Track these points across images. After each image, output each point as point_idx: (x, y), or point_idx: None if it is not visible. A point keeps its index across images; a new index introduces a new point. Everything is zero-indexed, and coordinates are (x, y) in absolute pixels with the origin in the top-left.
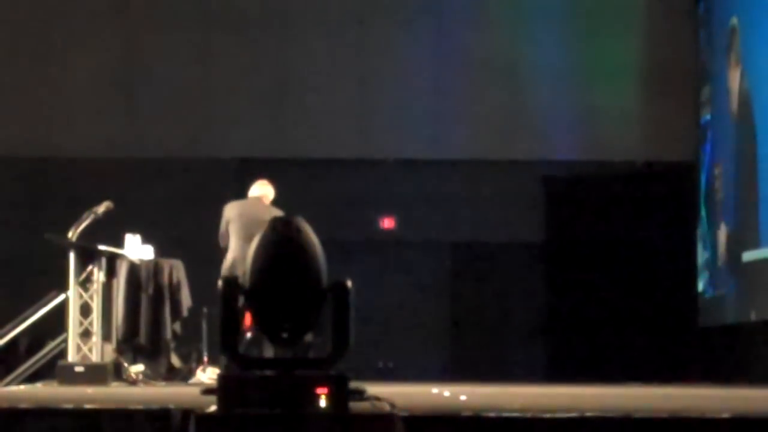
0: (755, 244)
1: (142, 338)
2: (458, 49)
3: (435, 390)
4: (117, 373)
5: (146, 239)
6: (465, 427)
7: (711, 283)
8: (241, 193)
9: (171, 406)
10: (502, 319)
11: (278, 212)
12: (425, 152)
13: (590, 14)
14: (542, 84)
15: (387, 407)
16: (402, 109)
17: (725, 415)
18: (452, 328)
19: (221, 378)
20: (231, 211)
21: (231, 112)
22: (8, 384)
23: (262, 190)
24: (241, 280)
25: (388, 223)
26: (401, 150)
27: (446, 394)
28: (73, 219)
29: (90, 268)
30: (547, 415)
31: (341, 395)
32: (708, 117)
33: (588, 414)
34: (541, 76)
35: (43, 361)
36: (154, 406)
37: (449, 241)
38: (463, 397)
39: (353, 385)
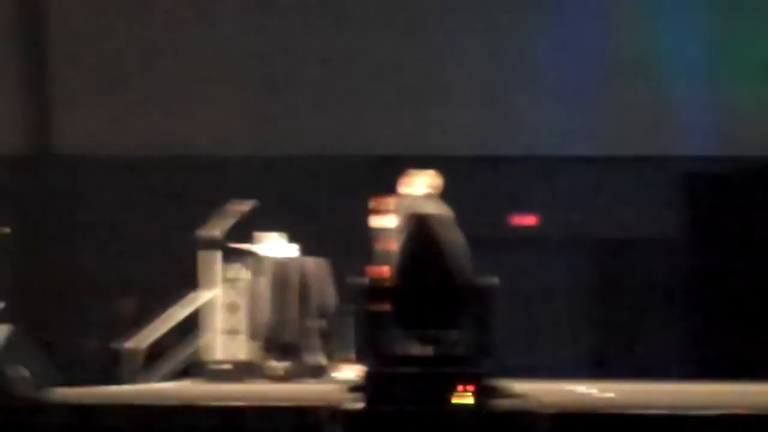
0: None
1: (287, 336)
2: (595, 44)
3: (580, 387)
4: (262, 370)
5: (291, 238)
6: (610, 425)
7: None
8: (383, 191)
9: (318, 403)
10: (644, 316)
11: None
12: (564, 149)
13: (729, 7)
14: (681, 79)
15: (532, 404)
16: (535, 106)
17: None
18: (595, 325)
19: (367, 375)
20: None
21: (374, 109)
22: (156, 382)
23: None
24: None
25: (527, 220)
26: (541, 147)
27: (591, 391)
28: (219, 218)
29: (236, 266)
30: (694, 413)
31: (486, 392)
32: None
33: (737, 411)
34: (680, 71)
35: (191, 359)
36: (301, 404)
37: (590, 238)
38: (608, 395)
39: (498, 382)
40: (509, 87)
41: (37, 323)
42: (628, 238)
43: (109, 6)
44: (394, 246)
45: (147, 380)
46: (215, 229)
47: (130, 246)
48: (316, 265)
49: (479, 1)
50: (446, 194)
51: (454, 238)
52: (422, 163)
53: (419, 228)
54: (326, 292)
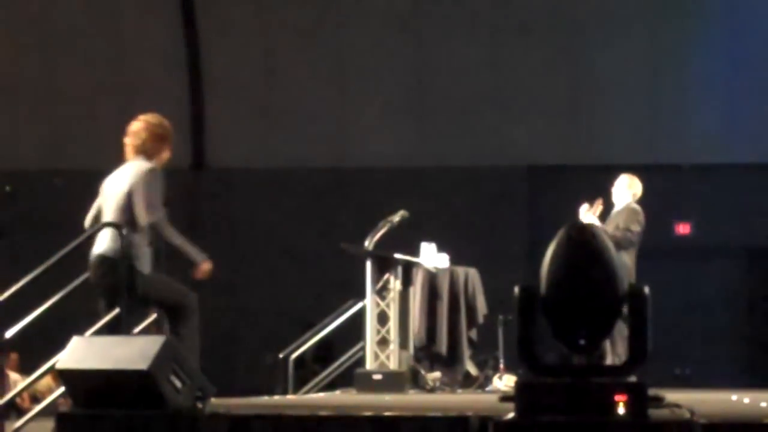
0: None
1: (438, 346)
2: (750, 52)
3: (734, 397)
4: (414, 380)
5: (441, 247)
6: None
7: None
8: (527, 200)
9: (469, 413)
10: None
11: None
12: (720, 157)
13: None
14: None
15: (686, 414)
16: (696, 114)
17: None
18: (750, 333)
19: (519, 385)
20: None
21: (521, 120)
22: (308, 391)
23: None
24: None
25: (683, 228)
26: (696, 155)
27: (746, 400)
28: (369, 228)
29: (386, 276)
30: None
31: (640, 402)
32: None
33: None
34: None
35: (341, 369)
36: (452, 413)
37: (746, 246)
38: (763, 404)
39: (651, 392)
40: (661, 95)
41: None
42: None
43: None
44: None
45: (299, 390)
46: (364, 240)
47: (286, 256)
48: (466, 274)
49: (637, 8)
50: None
51: (606, 246)
52: (575, 172)
53: (568, 237)
54: (477, 302)
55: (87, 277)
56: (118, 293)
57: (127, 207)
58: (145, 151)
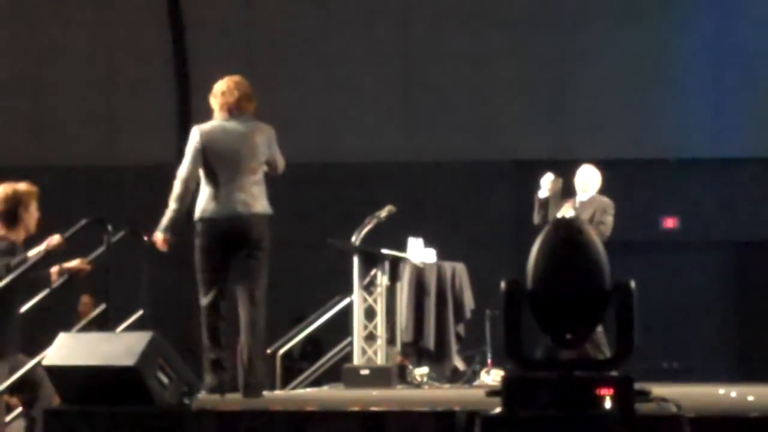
0: None
1: (426, 341)
2: (737, 46)
3: (721, 391)
4: (402, 375)
5: (429, 242)
6: (753, 429)
7: None
8: (515, 195)
9: (456, 408)
10: None
11: None
12: (707, 151)
13: None
14: None
15: (673, 408)
16: (682, 108)
17: None
18: (737, 327)
19: (505, 380)
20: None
21: (507, 114)
22: (295, 387)
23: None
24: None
25: (670, 222)
26: (682, 149)
27: (733, 395)
28: (356, 224)
29: (374, 271)
30: None
31: (626, 396)
32: None
33: None
34: None
35: (329, 365)
36: (439, 408)
37: (733, 240)
38: (750, 398)
39: (638, 386)
40: (650, 89)
41: (178, 329)
42: None
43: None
44: None
45: (287, 386)
46: (351, 236)
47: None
48: (454, 269)
49: (624, 2)
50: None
51: (592, 241)
52: (561, 167)
53: (555, 231)
54: (464, 297)
55: (221, 238)
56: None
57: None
58: (241, 108)
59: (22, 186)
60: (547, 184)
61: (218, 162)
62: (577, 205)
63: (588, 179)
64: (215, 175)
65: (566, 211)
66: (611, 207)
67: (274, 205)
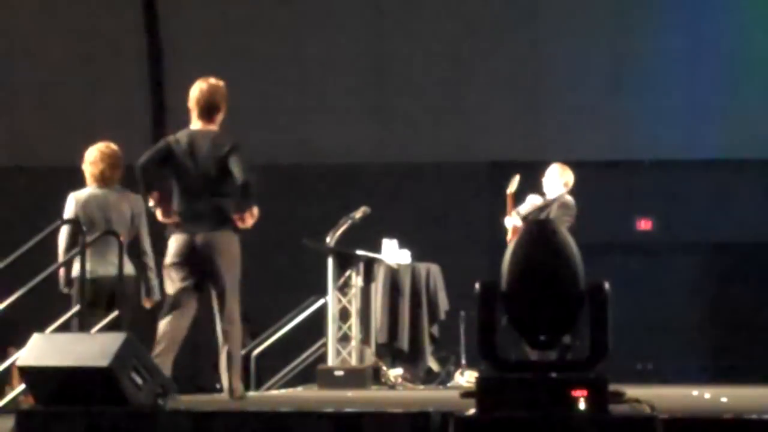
0: None
1: (400, 342)
2: (713, 48)
3: (695, 392)
4: (376, 377)
5: (403, 243)
6: (726, 430)
7: None
8: (491, 196)
9: (430, 409)
10: (762, 320)
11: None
12: (682, 153)
13: None
14: None
15: (647, 410)
16: (656, 109)
17: None
18: (711, 329)
19: (480, 381)
20: None
21: (483, 115)
22: (269, 388)
23: None
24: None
25: (644, 224)
26: (656, 151)
27: (706, 396)
28: (331, 225)
29: (348, 273)
30: None
31: (600, 398)
32: None
33: None
34: None
35: (303, 366)
36: (413, 409)
37: (707, 241)
38: (723, 399)
39: (612, 387)
40: (626, 91)
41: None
42: (746, 241)
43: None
44: None
45: (261, 387)
46: (325, 237)
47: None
48: (428, 270)
49: (601, 3)
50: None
51: (567, 242)
52: (537, 168)
53: (529, 233)
54: (438, 298)
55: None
56: None
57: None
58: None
59: None
60: (513, 181)
61: None
62: (541, 204)
63: (548, 178)
64: None
65: (512, 185)
66: (571, 208)
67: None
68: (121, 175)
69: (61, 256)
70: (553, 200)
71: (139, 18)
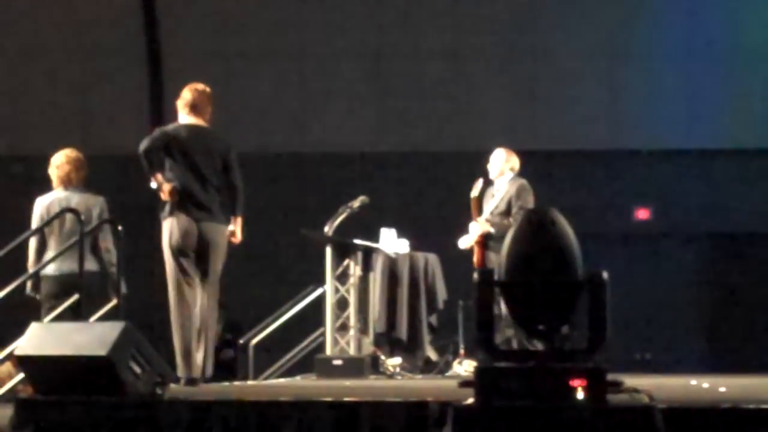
0: None
1: (398, 331)
2: (710, 38)
3: (693, 381)
4: (374, 366)
5: (402, 233)
6: (724, 419)
7: None
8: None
9: (428, 399)
10: (761, 310)
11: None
12: (680, 142)
13: None
14: None
15: (645, 399)
16: (655, 98)
17: None
18: (710, 319)
19: (478, 370)
20: None
21: (480, 104)
22: (268, 377)
23: None
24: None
25: (643, 214)
26: (656, 140)
27: (705, 385)
28: (329, 214)
29: (346, 262)
30: None
31: (599, 387)
32: None
33: None
34: None
35: (301, 355)
36: (412, 399)
37: (706, 231)
38: (722, 389)
39: (610, 377)
40: (623, 81)
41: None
42: (745, 231)
43: None
44: None
45: (260, 376)
46: (324, 226)
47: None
48: (426, 260)
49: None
50: (558, 188)
51: (565, 232)
52: (534, 157)
53: (528, 222)
54: (437, 287)
55: None
56: None
57: None
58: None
59: None
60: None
61: None
62: (495, 191)
63: (492, 162)
64: None
65: (475, 190)
66: (528, 189)
67: (248, 195)
68: (84, 176)
69: (31, 261)
70: (508, 186)
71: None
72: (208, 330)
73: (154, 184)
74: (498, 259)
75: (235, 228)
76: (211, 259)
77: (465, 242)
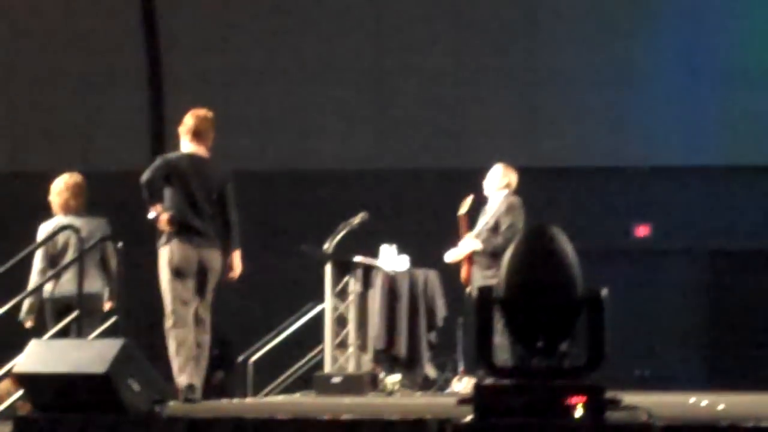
0: None
1: (398, 349)
2: (709, 56)
3: (693, 399)
4: (373, 383)
5: (401, 250)
6: None
7: None
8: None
9: (427, 417)
10: (760, 327)
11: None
12: (680, 159)
13: None
14: None
15: (644, 417)
16: (655, 116)
17: None
18: (709, 336)
19: (477, 388)
20: None
21: (480, 121)
22: (267, 394)
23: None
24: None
25: (643, 231)
26: (655, 157)
27: (704, 403)
28: (329, 231)
29: (346, 279)
30: None
31: (597, 405)
32: None
33: None
34: None
35: (300, 372)
36: (411, 416)
37: (705, 248)
38: (720, 407)
39: (609, 394)
40: (625, 98)
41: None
42: (744, 248)
43: None
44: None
45: (258, 394)
46: (323, 243)
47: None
48: (426, 277)
49: (596, 13)
50: (556, 205)
51: (565, 249)
52: (533, 174)
53: (527, 239)
54: (436, 304)
55: None
56: None
57: None
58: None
59: None
60: (465, 202)
61: None
62: (488, 208)
63: (488, 178)
64: None
65: (464, 207)
66: (517, 207)
67: (247, 212)
68: (84, 202)
69: (32, 285)
70: (499, 203)
71: (137, 20)
72: (203, 349)
73: (152, 214)
74: (481, 275)
75: (234, 261)
76: (208, 282)
77: (451, 256)
